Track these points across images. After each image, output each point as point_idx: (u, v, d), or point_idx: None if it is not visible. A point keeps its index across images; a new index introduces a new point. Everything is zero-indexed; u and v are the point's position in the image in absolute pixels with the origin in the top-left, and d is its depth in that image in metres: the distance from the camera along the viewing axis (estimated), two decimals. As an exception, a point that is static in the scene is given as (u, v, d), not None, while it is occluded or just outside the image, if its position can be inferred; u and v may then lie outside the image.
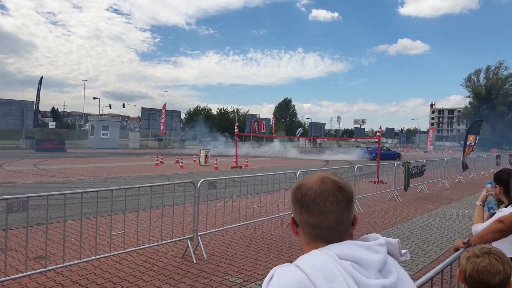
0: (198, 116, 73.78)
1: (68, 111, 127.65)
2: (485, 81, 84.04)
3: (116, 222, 7.23)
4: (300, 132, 64.15)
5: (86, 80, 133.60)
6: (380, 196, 12.30)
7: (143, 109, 47.39)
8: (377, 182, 13.57)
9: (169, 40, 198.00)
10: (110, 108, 64.00)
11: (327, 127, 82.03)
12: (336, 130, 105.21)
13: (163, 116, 45.91)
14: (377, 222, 8.93)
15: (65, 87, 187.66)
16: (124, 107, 57.82)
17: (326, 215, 1.09)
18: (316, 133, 61.05)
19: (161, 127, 46.35)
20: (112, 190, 5.39)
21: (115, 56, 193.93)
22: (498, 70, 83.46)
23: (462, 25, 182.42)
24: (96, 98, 66.16)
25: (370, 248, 1.08)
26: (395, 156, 33.65)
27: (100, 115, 60.71)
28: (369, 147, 36.80)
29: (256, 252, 6.31)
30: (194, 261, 5.72)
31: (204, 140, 48.79)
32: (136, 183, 12.99)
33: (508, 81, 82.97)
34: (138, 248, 5.63)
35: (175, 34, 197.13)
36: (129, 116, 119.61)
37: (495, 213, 3.04)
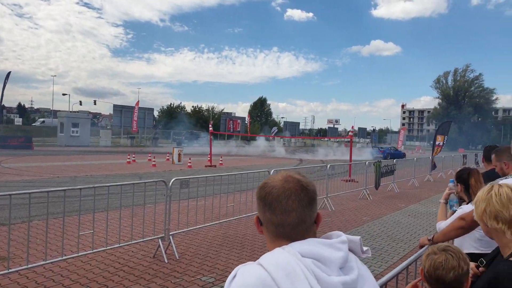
0: (171, 114, 73.02)
1: (36, 107, 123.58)
2: (453, 83, 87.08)
3: (85, 222, 7.06)
4: (275, 131, 64.42)
5: (55, 76, 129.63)
6: (352, 195, 12.51)
7: (115, 106, 46.27)
8: (349, 181, 13.79)
9: (142, 37, 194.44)
10: (81, 104, 62.73)
11: (301, 127, 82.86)
12: (310, 130, 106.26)
13: (135, 114, 45.07)
14: (349, 220, 9.08)
15: (33, 83, 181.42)
16: (95, 104, 57.09)
17: (288, 214, 1.10)
18: (291, 132, 61.49)
19: (133, 124, 45.48)
20: (80, 189, 5.24)
21: (86, 51, 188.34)
22: (465, 72, 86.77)
23: (432, 28, 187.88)
24: (66, 94, 64.72)
25: (332, 246, 1.09)
26: (401, 156, 34.79)
27: (70, 112, 59.07)
28: (382, 148, 40.31)
29: (229, 251, 6.29)
30: (166, 261, 5.65)
31: (178, 138, 48.21)
32: (106, 182, 12.70)
33: (474, 83, 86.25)
34: (108, 248, 5.50)
35: (148, 31, 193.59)
36: (100, 113, 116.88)
37: (456, 210, 3.15)
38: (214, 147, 24.66)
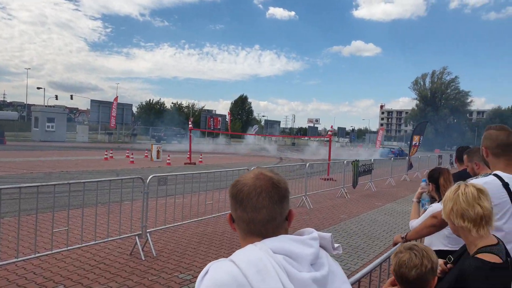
0: (151, 110, 72.12)
1: (8, 100, 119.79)
2: (431, 85, 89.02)
3: (60, 219, 6.92)
4: (256, 130, 64.50)
5: (29, 69, 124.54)
6: (330, 193, 12.65)
7: (92, 101, 45.36)
8: (328, 180, 13.95)
9: (122, 31, 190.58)
10: (57, 99, 61.25)
11: (282, 125, 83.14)
12: (291, 129, 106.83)
13: (114, 109, 44.30)
14: (326, 218, 9.18)
15: (5, 75, 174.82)
16: (72, 98, 55.62)
17: (258, 211, 1.12)
18: (272, 130, 61.65)
19: (111, 120, 44.71)
20: (54, 185, 5.13)
21: (63, 44, 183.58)
22: (442, 75, 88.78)
23: (411, 31, 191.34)
24: (41, 88, 62.86)
25: (303, 242, 1.11)
26: (405, 155, 35.33)
27: (45, 106, 57.56)
28: (393, 148, 42.64)
29: (206, 249, 6.27)
30: (143, 258, 5.59)
31: (157, 135, 47.66)
32: (82, 178, 12.46)
33: (451, 86, 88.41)
34: (83, 245, 5.40)
35: (128, 25, 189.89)
36: (77, 108, 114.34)
37: (427, 208, 3.24)
38: (201, 144, 24.49)
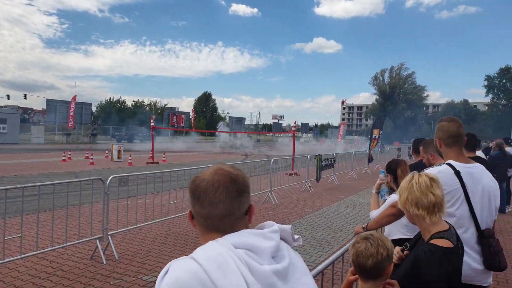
0: (111, 109, 70.12)
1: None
2: (389, 80, 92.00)
3: (13, 225, 6.58)
4: (221, 127, 64.19)
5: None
6: (295, 187, 12.79)
7: (48, 100, 43.51)
8: (292, 175, 14.10)
9: (79, 27, 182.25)
10: (8, 99, 57.89)
11: (247, 122, 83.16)
12: (255, 125, 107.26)
13: (72, 109, 42.64)
14: (291, 212, 9.27)
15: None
16: (25, 98, 52.81)
17: (215, 206, 1.12)
18: (236, 127, 61.57)
19: (69, 120, 43.03)
20: (6, 189, 4.84)
21: (14, 41, 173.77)
22: (399, 70, 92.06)
23: (370, 28, 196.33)
24: (-9, 87, 59.16)
25: (263, 236, 1.12)
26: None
27: (-3, 106, 54.56)
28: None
29: (171, 250, 6.16)
30: (104, 262, 5.41)
31: (118, 134, 46.31)
32: (37, 182, 11.91)
33: (408, 81, 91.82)
34: (39, 252, 5.15)
35: (86, 21, 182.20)
36: (32, 108, 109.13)
37: (386, 199, 3.35)
38: (164, 143, 24.01)
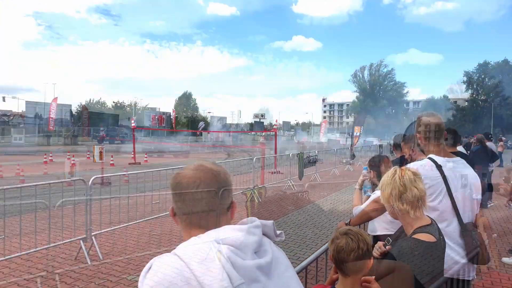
0: (91, 110, 68.92)
1: None
2: (369, 77, 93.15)
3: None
4: (202, 126, 63.90)
5: None
6: (278, 186, 12.91)
7: (27, 103, 42.63)
8: (275, 173, 14.22)
9: (57, 28, 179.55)
10: (-4, 101, 56.55)
11: (228, 121, 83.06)
12: (237, 124, 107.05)
13: (52, 111, 41.85)
14: (275, 210, 9.39)
15: None
16: (4, 100, 51.43)
17: (197, 202, 1.14)
18: (218, 127, 61.49)
19: (50, 122, 42.24)
20: (-13, 192, 4.82)
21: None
22: (379, 67, 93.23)
23: (349, 25, 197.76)
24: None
25: (246, 231, 1.12)
26: None
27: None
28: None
29: (156, 249, 6.21)
30: (89, 263, 5.42)
31: (99, 135, 45.65)
32: (18, 184, 11.72)
33: (387, 77, 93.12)
34: (23, 253, 5.13)
35: (63, 22, 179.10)
36: (11, 110, 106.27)
37: (370, 195, 3.41)
38: (146, 143, 23.81)
